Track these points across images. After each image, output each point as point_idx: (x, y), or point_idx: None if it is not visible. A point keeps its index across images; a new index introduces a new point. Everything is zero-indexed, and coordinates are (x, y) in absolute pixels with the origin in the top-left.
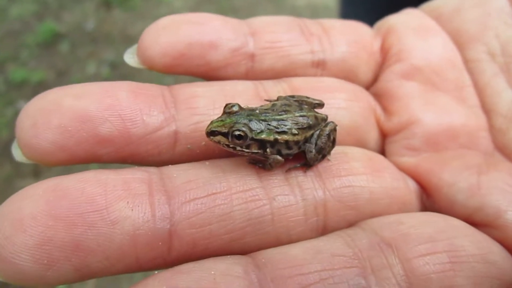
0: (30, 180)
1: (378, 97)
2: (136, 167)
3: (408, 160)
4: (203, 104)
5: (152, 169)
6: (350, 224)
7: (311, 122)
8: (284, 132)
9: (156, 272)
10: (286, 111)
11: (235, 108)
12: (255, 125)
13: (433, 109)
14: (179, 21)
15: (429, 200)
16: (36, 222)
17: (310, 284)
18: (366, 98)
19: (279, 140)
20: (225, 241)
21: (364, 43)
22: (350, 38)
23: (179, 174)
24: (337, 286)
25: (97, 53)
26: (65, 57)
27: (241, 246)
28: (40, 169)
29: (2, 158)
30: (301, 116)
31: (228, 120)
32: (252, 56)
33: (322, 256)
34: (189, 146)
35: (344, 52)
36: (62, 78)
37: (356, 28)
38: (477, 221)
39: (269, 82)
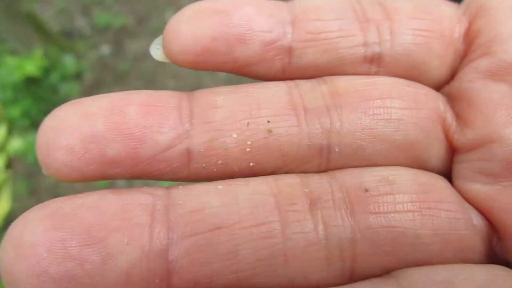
0: None
1: (453, 99)
2: (143, 188)
3: (481, 188)
4: (221, 117)
5: (160, 191)
6: (387, 270)
7: None
8: None
9: None
10: None
11: None
12: None
13: None
14: (204, 10)
15: (500, 244)
16: (33, 252)
17: None
18: (432, 103)
19: None
20: (230, 280)
21: (441, 29)
22: (421, 25)
23: (185, 201)
24: None
25: (175, 0)
26: (145, 2)
27: (250, 286)
28: None
29: None
30: None
31: None
32: (289, 51)
33: None
34: (204, 165)
35: (409, 44)
36: (142, 24)
37: (433, 9)
38: None
39: (307, 84)
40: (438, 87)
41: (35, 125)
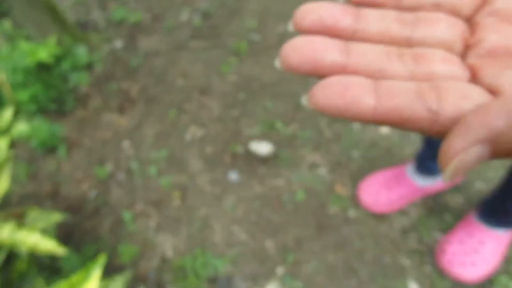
0: (116, 114)
1: (471, 25)
2: None
3: (473, 60)
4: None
5: None
6: None
7: None
8: None
9: None
10: None
11: None
12: None
13: (499, 34)
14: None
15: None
16: (300, 51)
17: None
18: (459, 26)
19: None
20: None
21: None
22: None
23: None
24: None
25: (191, 0)
26: (162, 1)
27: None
28: (124, 106)
29: (94, 91)
30: None
31: None
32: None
33: None
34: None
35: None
36: (157, 22)
37: None
38: (492, 89)
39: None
40: (468, 20)
41: (42, 110)
